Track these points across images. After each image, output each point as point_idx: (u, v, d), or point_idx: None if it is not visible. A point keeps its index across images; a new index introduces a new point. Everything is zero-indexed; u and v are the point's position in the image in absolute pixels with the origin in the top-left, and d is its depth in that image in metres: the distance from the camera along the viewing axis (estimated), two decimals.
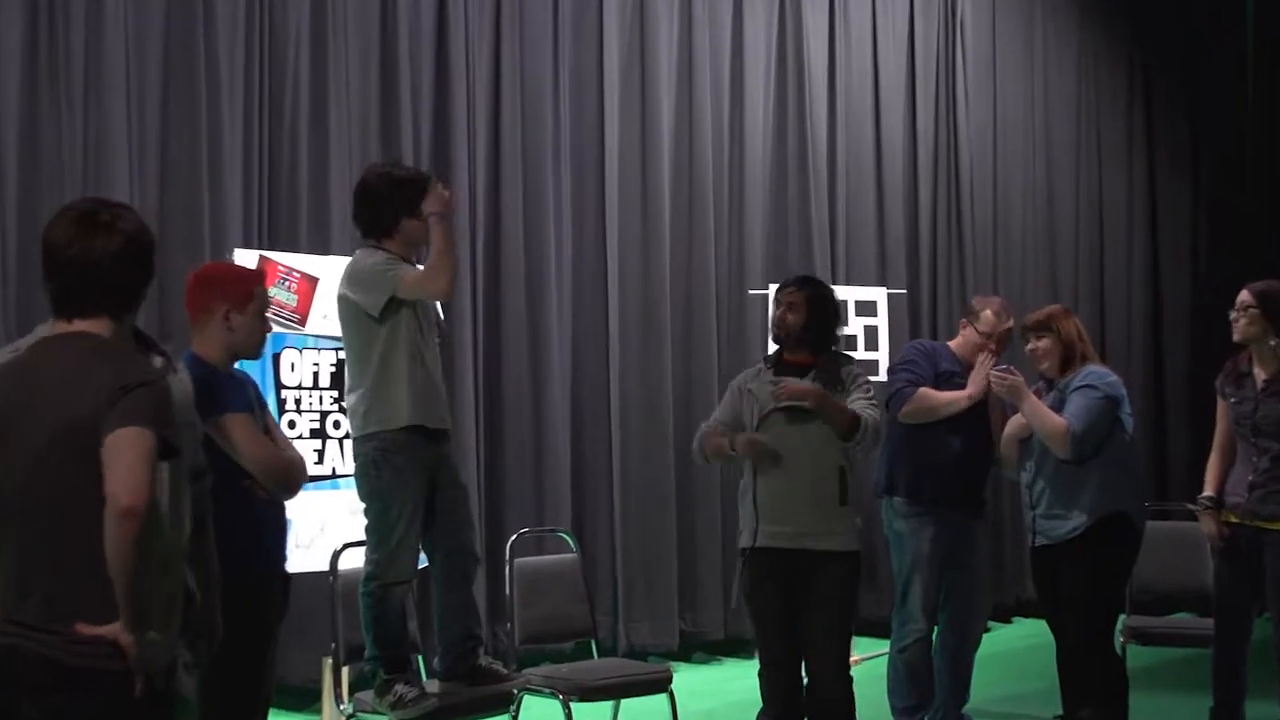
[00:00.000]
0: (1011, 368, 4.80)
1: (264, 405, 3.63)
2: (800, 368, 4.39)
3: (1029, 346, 4.82)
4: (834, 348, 4.45)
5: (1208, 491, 4.79)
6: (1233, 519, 4.76)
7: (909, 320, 7.96)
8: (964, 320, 5.12)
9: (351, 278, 4.16)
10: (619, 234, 7.22)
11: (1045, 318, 4.83)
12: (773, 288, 6.80)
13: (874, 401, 4.40)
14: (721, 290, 7.58)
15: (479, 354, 6.73)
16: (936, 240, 8.48)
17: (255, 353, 3.65)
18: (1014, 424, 4.82)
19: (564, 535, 5.90)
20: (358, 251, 4.26)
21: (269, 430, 3.52)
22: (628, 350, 7.25)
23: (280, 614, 3.50)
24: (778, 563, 4.31)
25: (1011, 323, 5.05)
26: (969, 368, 5.01)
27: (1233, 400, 4.82)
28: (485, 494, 6.63)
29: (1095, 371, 4.77)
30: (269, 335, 3.65)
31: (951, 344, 5.14)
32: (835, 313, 4.45)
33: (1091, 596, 4.62)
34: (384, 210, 4.17)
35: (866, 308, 7.20)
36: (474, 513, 4.73)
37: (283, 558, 3.60)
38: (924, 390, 4.91)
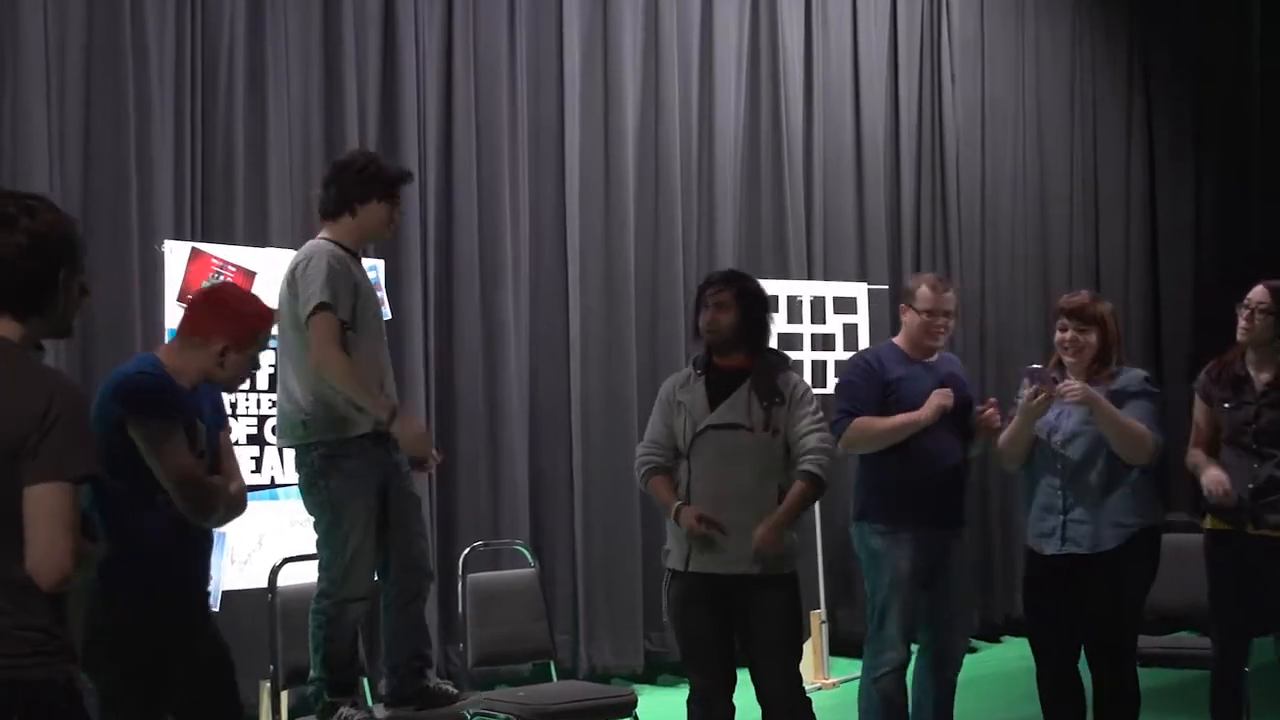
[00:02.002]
0: (1048, 371, 4.71)
1: (225, 423, 3.65)
2: (735, 373, 4.36)
3: (1066, 335, 4.72)
4: (768, 347, 4.46)
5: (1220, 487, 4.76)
6: (1223, 526, 4.82)
7: (891, 318, 7.81)
8: (902, 306, 5.06)
9: (296, 275, 4.21)
10: (580, 227, 7.22)
11: (1093, 308, 4.75)
12: None
13: (820, 421, 4.38)
14: (690, 287, 7.21)
15: (430, 354, 6.73)
16: (920, 232, 8.52)
17: (231, 389, 3.73)
18: (1025, 419, 4.75)
19: (521, 548, 5.90)
20: (309, 244, 4.32)
21: (221, 451, 3.53)
22: (590, 351, 7.26)
23: (189, 640, 3.43)
24: (711, 586, 4.28)
25: (951, 293, 5.03)
26: (924, 356, 4.98)
27: (1227, 406, 4.83)
28: (436, 504, 6.63)
29: (1140, 373, 4.81)
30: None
31: (897, 339, 5.09)
32: (767, 308, 4.45)
33: (1129, 611, 4.65)
34: (353, 190, 4.27)
35: (846, 305, 7.30)
36: (426, 525, 4.75)
37: (194, 580, 3.52)
38: (860, 421, 4.84)
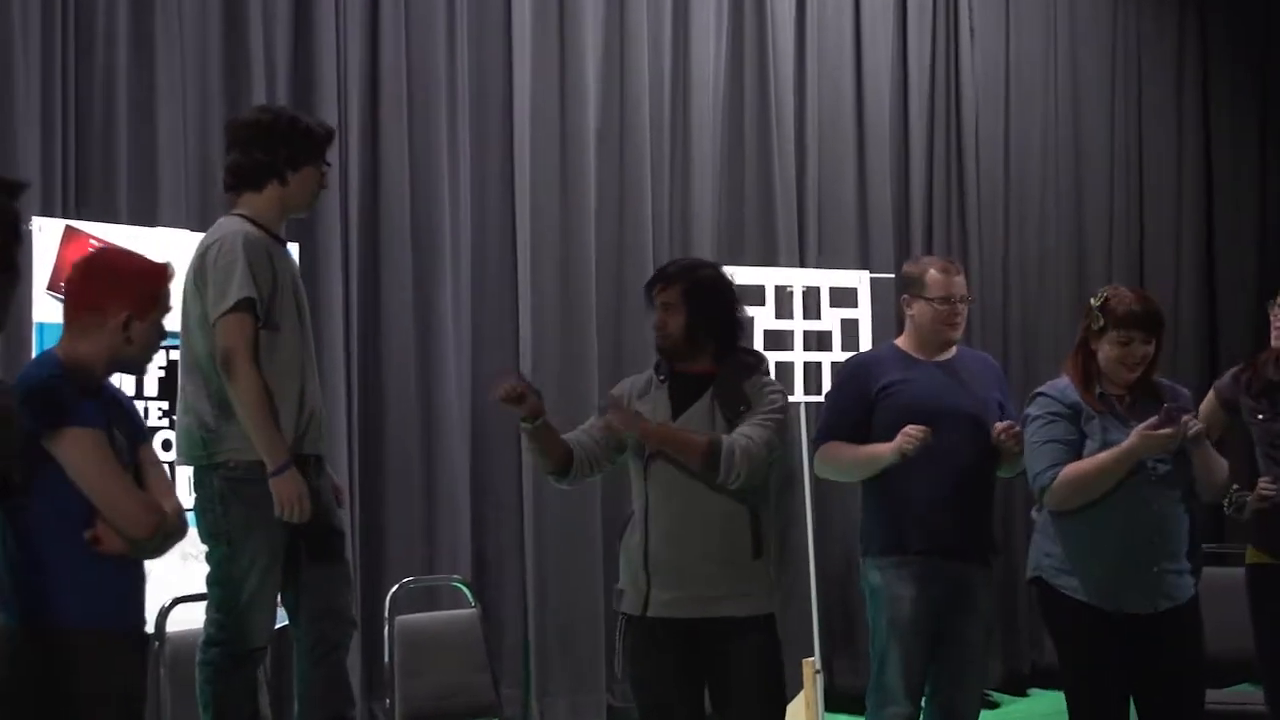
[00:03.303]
0: (1182, 410, 4.65)
1: (144, 435, 3.69)
2: (700, 379, 4.39)
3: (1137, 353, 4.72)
4: (739, 345, 4.49)
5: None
6: (1266, 559, 4.88)
7: (898, 311, 7.96)
8: (905, 298, 5.09)
9: (206, 263, 4.21)
10: (532, 205, 7.26)
11: (1157, 310, 4.80)
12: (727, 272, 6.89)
13: (767, 421, 4.33)
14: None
15: (351, 357, 6.77)
16: (933, 212, 8.52)
17: (142, 368, 3.79)
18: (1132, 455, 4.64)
19: (460, 586, 5.95)
20: (221, 224, 4.33)
21: (143, 466, 3.57)
22: (544, 351, 7.29)
23: (125, 687, 3.48)
24: (676, 633, 4.28)
25: (962, 277, 5.09)
26: (938, 353, 5.03)
27: (1261, 417, 4.92)
28: (360, 533, 6.67)
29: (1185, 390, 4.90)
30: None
31: (900, 340, 5.14)
32: (727, 302, 4.44)
33: (1202, 666, 4.73)
34: (281, 154, 4.32)
35: (844, 296, 7.28)
36: (350, 563, 4.77)
37: (128, 612, 3.57)
38: (827, 448, 4.96)
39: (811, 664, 6.91)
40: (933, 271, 5.04)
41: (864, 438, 4.92)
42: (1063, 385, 4.78)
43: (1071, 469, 4.65)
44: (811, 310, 7.31)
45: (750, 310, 6.53)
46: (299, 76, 6.64)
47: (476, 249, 7.21)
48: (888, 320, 7.17)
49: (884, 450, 4.80)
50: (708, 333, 4.35)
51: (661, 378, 4.40)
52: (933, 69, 8.57)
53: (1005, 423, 4.89)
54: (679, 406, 4.35)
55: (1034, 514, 4.88)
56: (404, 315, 6.93)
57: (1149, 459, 4.60)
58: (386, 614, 5.42)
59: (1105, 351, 4.71)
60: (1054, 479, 4.65)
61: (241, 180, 4.37)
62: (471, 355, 7.17)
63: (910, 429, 4.73)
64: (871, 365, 5.07)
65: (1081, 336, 4.80)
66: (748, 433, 4.23)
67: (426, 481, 6.96)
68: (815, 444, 4.97)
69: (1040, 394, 4.82)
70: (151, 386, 5.27)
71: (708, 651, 4.26)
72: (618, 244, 7.59)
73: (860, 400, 4.95)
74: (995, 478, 5.06)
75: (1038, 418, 4.76)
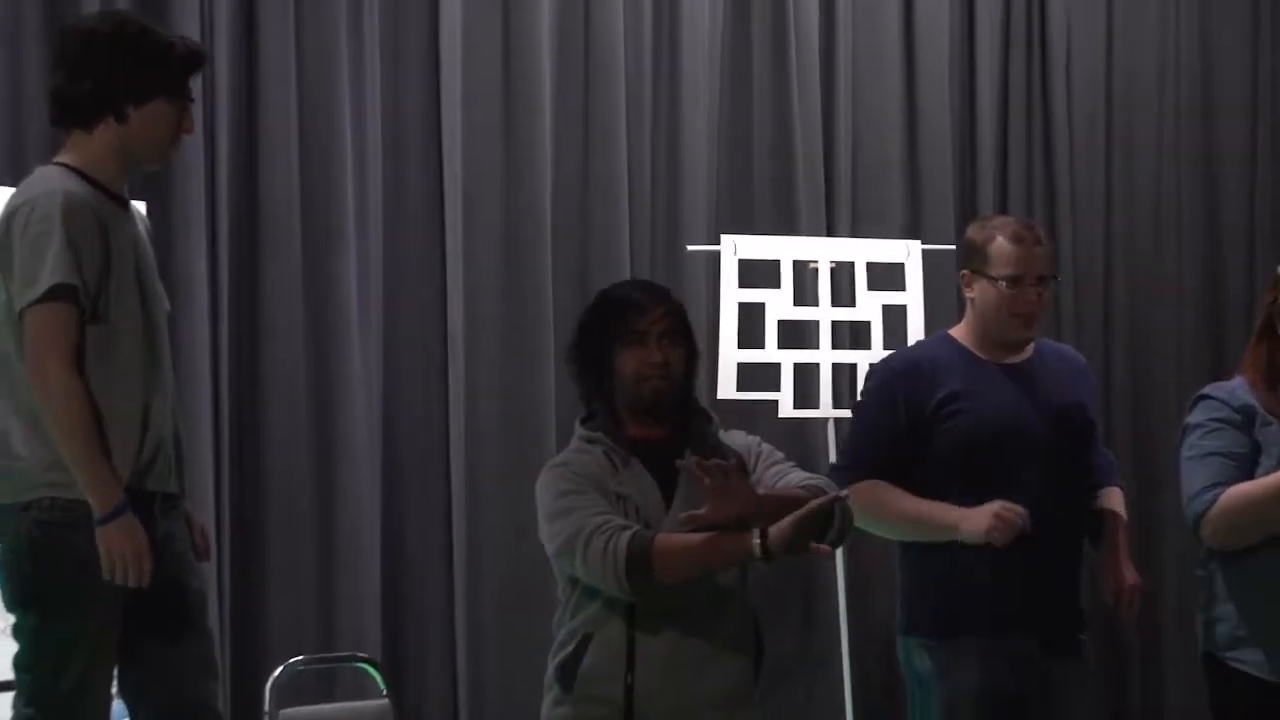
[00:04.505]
0: None
1: None
2: (656, 447, 4.46)
3: None
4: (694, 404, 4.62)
5: None
6: None
7: (958, 291, 7.87)
8: (965, 275, 5.09)
9: (13, 233, 4.19)
10: (465, 155, 7.28)
11: None
12: (724, 245, 7.17)
13: (793, 467, 4.53)
14: (640, 249, 7.65)
15: (220, 362, 6.82)
16: (1007, 166, 8.49)
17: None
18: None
19: (366, 668, 6.00)
20: (36, 177, 4.31)
21: None
22: (480, 349, 7.31)
23: None
24: None
25: (1044, 247, 5.03)
26: (1008, 354, 5.04)
27: None
28: (231, 597, 6.69)
29: None
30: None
31: (957, 330, 5.17)
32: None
33: None
34: (121, 79, 4.27)
35: (887, 276, 7.28)
36: (214, 639, 4.79)
37: None
38: (866, 488, 4.89)
39: None
40: (1001, 239, 4.98)
41: (908, 473, 4.93)
42: (1232, 386, 4.82)
43: (1238, 490, 4.64)
44: (843, 293, 7.32)
45: (759, 295, 7.08)
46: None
47: (390, 213, 7.23)
48: (946, 306, 7.22)
49: (956, 521, 4.81)
50: (692, 379, 4.52)
51: (621, 450, 4.44)
52: None
53: (1127, 579, 4.97)
54: (665, 484, 4.43)
55: (1198, 570, 4.87)
56: (290, 302, 6.94)
57: None
58: (267, 707, 5.45)
59: None
60: (1214, 502, 4.63)
61: (67, 114, 4.32)
62: (384, 358, 7.19)
63: (1005, 511, 4.73)
64: (923, 367, 5.05)
65: (1264, 319, 4.81)
66: (811, 477, 4.44)
67: (322, 529, 6.97)
68: (842, 474, 4.87)
69: (1203, 396, 4.85)
70: None
71: None
72: (580, 210, 7.59)
73: (908, 417, 4.95)
74: (1083, 531, 5.12)
75: (1197, 426, 4.78)
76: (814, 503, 4.16)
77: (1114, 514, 5.10)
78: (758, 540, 4.14)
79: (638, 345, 4.39)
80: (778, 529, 4.12)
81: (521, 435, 7.30)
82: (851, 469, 4.92)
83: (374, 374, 7.14)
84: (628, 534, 4.23)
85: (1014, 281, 4.93)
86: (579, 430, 4.51)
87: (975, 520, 4.76)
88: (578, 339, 4.51)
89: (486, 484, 7.26)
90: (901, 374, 5.05)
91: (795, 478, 4.41)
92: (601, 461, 4.41)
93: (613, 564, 4.21)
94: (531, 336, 7.39)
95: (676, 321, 4.46)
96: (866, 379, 5.26)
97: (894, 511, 4.91)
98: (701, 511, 4.15)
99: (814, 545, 4.16)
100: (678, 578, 4.23)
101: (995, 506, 4.73)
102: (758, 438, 4.60)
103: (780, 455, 4.53)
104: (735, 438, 4.56)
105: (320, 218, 7.03)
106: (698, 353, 4.52)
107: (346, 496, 7.02)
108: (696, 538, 4.23)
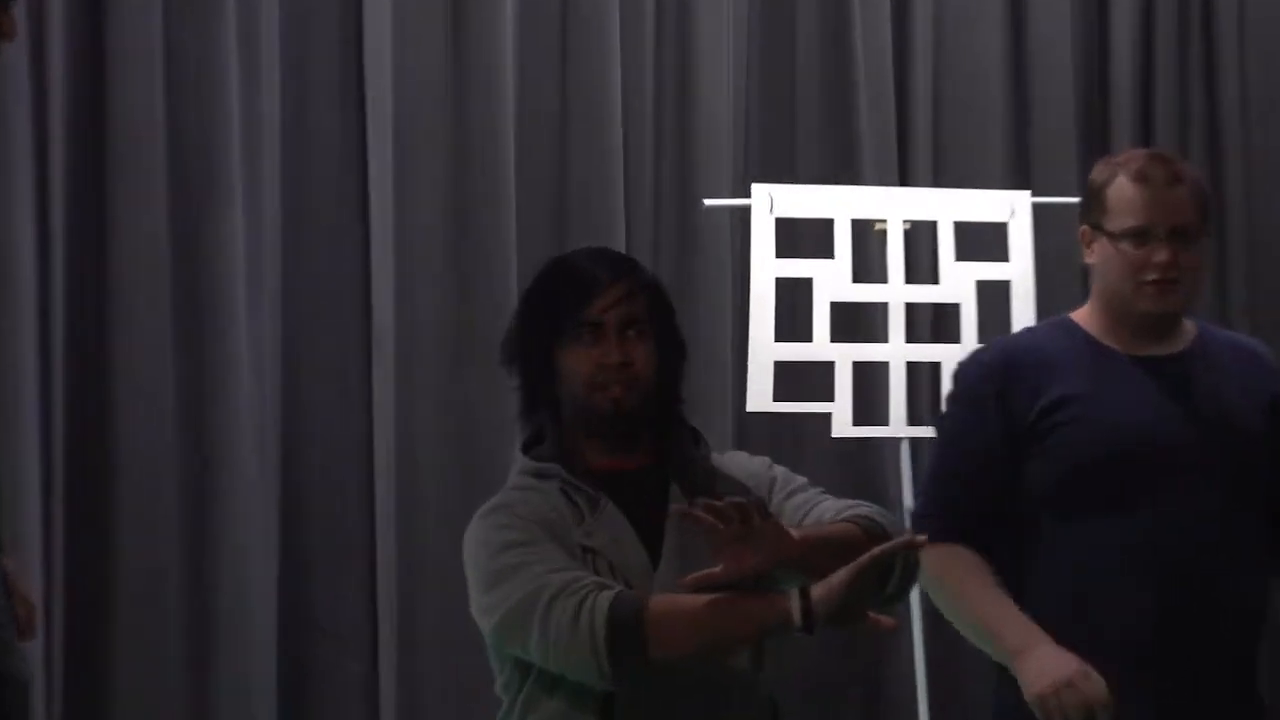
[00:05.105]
0: None
1: None
2: (639, 480, 4.28)
3: None
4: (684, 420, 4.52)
5: None
6: None
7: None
8: (1082, 232, 4.82)
9: None
10: (396, 84, 7.16)
11: None
12: (756, 197, 6.95)
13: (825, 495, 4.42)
14: (638, 205, 7.47)
15: (53, 369, 6.71)
16: (1152, 91, 8.23)
17: None
18: None
19: None
20: None
21: None
22: (417, 351, 7.18)
23: None
24: None
25: (1186, 186, 4.68)
26: (1150, 341, 4.77)
27: None
28: (67, 686, 6.59)
29: None
30: None
31: (1078, 315, 4.91)
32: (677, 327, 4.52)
33: None
34: None
35: (981, 239, 7.02)
36: None
37: None
38: (946, 554, 4.65)
39: None
40: (1122, 179, 4.74)
41: (1000, 509, 4.71)
42: None
43: None
44: (922, 266, 7.19)
45: (804, 268, 6.92)
46: None
47: (291, 154, 7.08)
48: (1067, 286, 6.96)
49: (1015, 651, 4.63)
50: (667, 391, 4.35)
51: (584, 486, 4.26)
52: None
53: None
54: (648, 532, 4.25)
55: None
56: (154, 279, 6.78)
57: None
58: None
59: None
60: None
61: None
62: (282, 356, 7.06)
63: (1080, 681, 4.53)
64: (1025, 361, 4.81)
65: None
66: (853, 506, 4.30)
67: (195, 588, 6.79)
68: (918, 521, 4.75)
69: None
70: None
71: None
72: (556, 144, 7.42)
73: (1004, 430, 4.71)
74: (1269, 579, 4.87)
75: None
76: (878, 550, 3.95)
77: None
78: (797, 602, 3.92)
79: (590, 339, 4.20)
80: (825, 588, 3.92)
81: (472, 463, 7.16)
82: (929, 516, 4.75)
83: (268, 377, 7.01)
84: (608, 594, 4.03)
85: (1138, 236, 4.71)
86: (521, 461, 4.32)
87: (1033, 671, 4.59)
88: (516, 330, 4.36)
89: (424, 528, 7.13)
90: (995, 371, 4.82)
91: (829, 509, 4.22)
92: (557, 502, 4.21)
93: (588, 636, 4.00)
94: (487, 329, 7.02)
95: (646, 304, 4.26)
96: (953, 382, 4.99)
97: (962, 606, 4.82)
98: (714, 570, 3.98)
99: (872, 616, 4.03)
100: (681, 655, 4.06)
101: (1071, 670, 4.54)
102: (767, 459, 4.40)
103: (801, 480, 4.34)
104: (736, 463, 4.38)
105: (193, 159, 6.88)
106: (681, 348, 4.34)
107: (229, 543, 6.86)
108: (708, 599, 4.04)
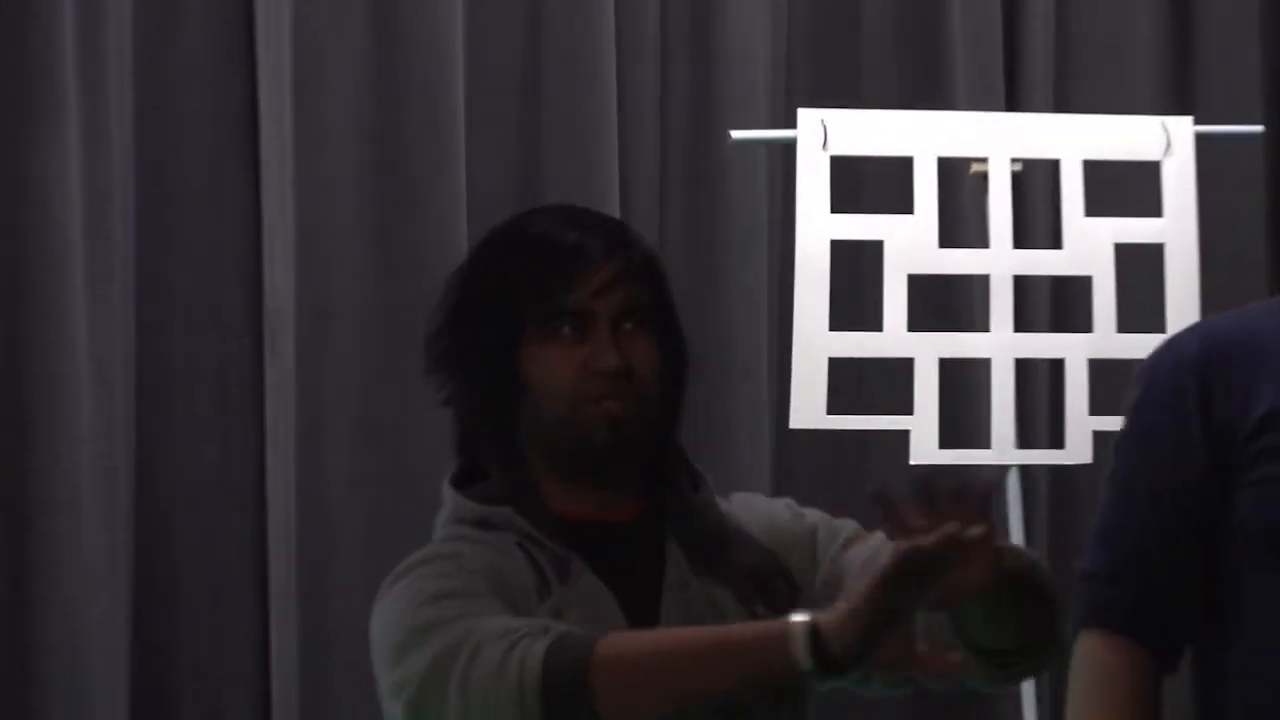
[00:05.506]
0: None
1: None
2: (622, 534, 3.91)
3: None
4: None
5: None
6: None
7: None
8: None
9: None
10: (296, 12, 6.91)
11: None
12: (803, 127, 6.73)
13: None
14: (641, 142, 7.19)
15: None
16: None
17: None
18: None
19: None
20: None
21: None
22: (327, 345, 6.96)
23: None
24: None
25: None
26: None
27: None
28: None
29: None
30: None
31: None
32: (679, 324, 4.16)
33: None
34: None
35: (1121, 189, 6.64)
36: None
37: None
38: (1097, 645, 3.99)
39: None
40: None
41: (1205, 558, 3.96)
42: None
43: None
44: (1038, 224, 7.01)
45: (872, 225, 6.70)
46: None
47: (144, 99, 6.72)
48: (1245, 255, 6.80)
49: None
50: (678, 402, 4.02)
51: (556, 546, 3.85)
52: None
53: None
54: (637, 610, 3.89)
55: None
56: None
57: None
58: None
59: None
60: None
61: None
62: (138, 349, 6.75)
63: None
64: (1235, 352, 4.11)
65: None
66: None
67: (14, 658, 6.50)
68: (1086, 580, 3.98)
69: None
70: None
71: None
72: (523, 67, 7.14)
73: (1208, 445, 4.00)
74: None
75: None
76: (910, 545, 3.31)
77: None
78: (803, 636, 3.45)
79: (573, 335, 3.82)
80: (839, 609, 3.45)
81: (396, 494, 6.82)
82: (1101, 579, 4.00)
83: (118, 378, 6.71)
84: (547, 638, 3.71)
85: None
86: (454, 503, 3.82)
87: None
88: (451, 322, 3.81)
89: (335, 583, 6.95)
90: (1199, 364, 4.13)
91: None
92: (517, 562, 3.86)
93: (515, 692, 3.73)
94: (425, 317, 6.42)
95: (646, 287, 3.88)
96: (1134, 383, 4.25)
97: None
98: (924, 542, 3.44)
99: (932, 657, 3.39)
100: (642, 714, 3.85)
101: None
102: (789, 500, 3.99)
103: (853, 524, 3.86)
104: (752, 510, 3.95)
105: (12, 80, 6.63)
106: (683, 349, 3.87)
107: (58, 600, 6.62)
108: (681, 635, 3.77)
